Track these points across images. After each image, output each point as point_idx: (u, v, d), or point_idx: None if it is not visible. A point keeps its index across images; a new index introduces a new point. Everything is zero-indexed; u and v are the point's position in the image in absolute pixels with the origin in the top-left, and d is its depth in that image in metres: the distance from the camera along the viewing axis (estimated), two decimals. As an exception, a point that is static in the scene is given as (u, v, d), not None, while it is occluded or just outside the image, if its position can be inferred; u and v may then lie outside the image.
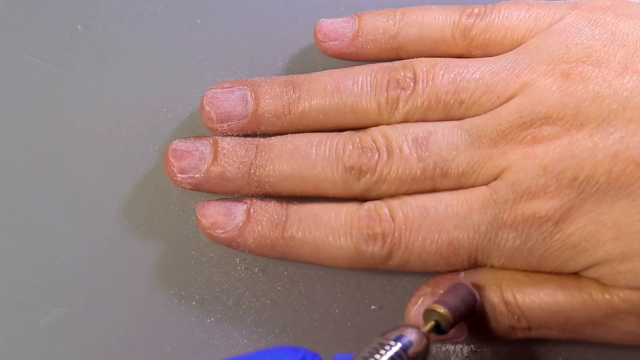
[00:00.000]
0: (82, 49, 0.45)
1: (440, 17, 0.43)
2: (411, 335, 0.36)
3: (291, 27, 0.46)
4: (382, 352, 0.36)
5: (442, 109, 0.41)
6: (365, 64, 0.43)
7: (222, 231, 0.41)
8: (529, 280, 0.40)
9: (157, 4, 0.46)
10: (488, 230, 0.39)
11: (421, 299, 0.40)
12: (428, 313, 0.38)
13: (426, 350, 0.37)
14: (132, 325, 0.42)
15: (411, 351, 0.36)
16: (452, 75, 0.41)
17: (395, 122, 0.42)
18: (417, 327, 0.37)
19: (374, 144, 0.41)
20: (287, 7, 0.46)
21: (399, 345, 0.36)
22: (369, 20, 0.43)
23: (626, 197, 0.37)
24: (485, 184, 0.40)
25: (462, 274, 0.41)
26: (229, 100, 0.42)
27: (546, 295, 0.39)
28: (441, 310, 0.38)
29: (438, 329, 0.38)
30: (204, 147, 0.42)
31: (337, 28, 0.43)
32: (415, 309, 0.40)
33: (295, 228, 0.41)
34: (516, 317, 0.40)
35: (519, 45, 0.42)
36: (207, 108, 0.42)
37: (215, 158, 0.41)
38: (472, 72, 0.41)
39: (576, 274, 0.39)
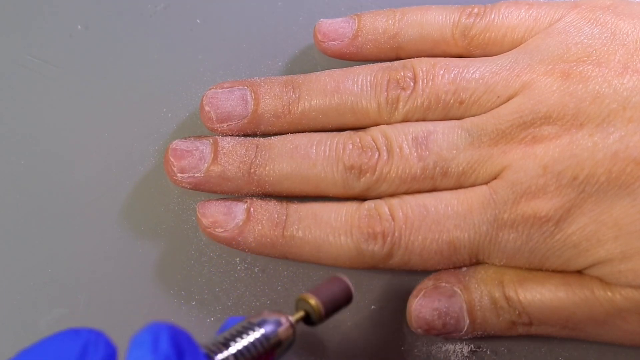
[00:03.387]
0: (82, 49, 0.45)
1: (440, 17, 0.43)
2: (276, 323, 0.35)
3: (291, 27, 0.46)
4: (244, 336, 0.35)
5: (442, 109, 0.41)
6: (365, 64, 0.43)
7: (222, 230, 0.41)
8: (531, 276, 0.40)
9: (157, 4, 0.46)
10: (488, 230, 0.39)
11: (422, 292, 0.41)
12: (300, 302, 0.37)
13: (291, 340, 0.36)
14: (132, 325, 0.42)
15: (273, 339, 0.35)
16: (452, 75, 0.41)
17: (395, 122, 0.42)
18: (284, 315, 0.36)
19: (374, 144, 0.41)
20: (287, 7, 0.46)
21: (262, 330, 0.35)
22: (369, 20, 0.43)
23: (626, 196, 0.37)
24: (485, 183, 0.40)
25: (465, 268, 0.41)
26: (228, 100, 0.42)
27: (548, 291, 0.39)
28: (312, 300, 0.37)
29: (308, 320, 0.37)
30: (203, 147, 0.42)
31: (337, 28, 0.43)
32: (417, 302, 0.40)
33: (296, 227, 0.41)
34: (517, 313, 0.40)
35: (519, 44, 0.42)
36: (206, 108, 0.42)
37: (215, 157, 0.41)
38: (472, 71, 0.41)
39: (579, 271, 0.39)
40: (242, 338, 0.35)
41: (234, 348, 0.34)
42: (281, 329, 0.35)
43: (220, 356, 0.34)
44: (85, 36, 0.45)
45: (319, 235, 0.40)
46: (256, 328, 0.35)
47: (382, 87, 0.41)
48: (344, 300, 0.38)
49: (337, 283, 0.38)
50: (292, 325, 0.36)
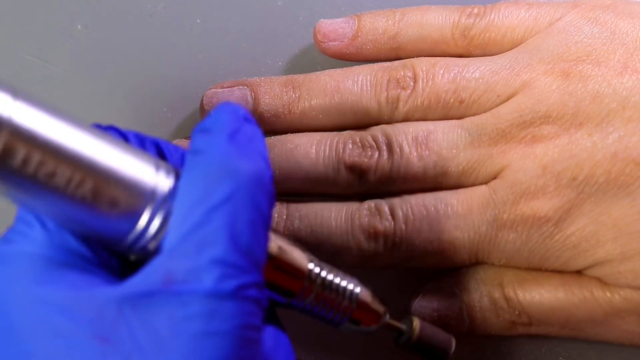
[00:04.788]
0: (82, 49, 0.45)
1: (440, 17, 0.43)
2: (367, 295, 0.35)
3: (291, 27, 0.46)
4: (339, 279, 0.35)
5: (442, 108, 0.41)
6: (365, 64, 0.43)
7: None
8: (530, 277, 0.40)
9: (157, 4, 0.46)
10: (488, 231, 0.39)
11: (422, 293, 0.41)
12: (407, 317, 0.37)
13: (372, 329, 0.35)
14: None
15: (360, 300, 0.35)
16: (452, 75, 0.41)
17: (395, 121, 0.42)
18: (383, 304, 0.36)
19: (374, 143, 0.41)
20: (287, 7, 0.46)
21: (358, 288, 0.35)
22: (369, 21, 0.43)
23: (626, 196, 0.37)
24: (485, 183, 0.40)
25: (464, 269, 0.41)
26: (228, 100, 0.42)
27: (547, 292, 0.39)
28: (415, 322, 0.36)
29: (400, 334, 0.37)
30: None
31: (337, 28, 0.43)
32: (417, 303, 0.41)
33: (296, 226, 0.41)
34: (517, 313, 0.40)
35: (519, 44, 0.42)
36: (207, 108, 0.42)
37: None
38: (472, 71, 0.41)
39: (578, 272, 0.39)
40: (335, 275, 0.35)
41: (326, 273, 0.34)
42: (369, 300, 0.35)
43: (313, 267, 0.34)
44: (85, 36, 0.45)
45: (319, 234, 0.40)
46: (353, 282, 0.35)
47: (382, 86, 0.41)
48: (441, 348, 0.37)
49: (442, 336, 0.37)
50: (385, 313, 0.36)
